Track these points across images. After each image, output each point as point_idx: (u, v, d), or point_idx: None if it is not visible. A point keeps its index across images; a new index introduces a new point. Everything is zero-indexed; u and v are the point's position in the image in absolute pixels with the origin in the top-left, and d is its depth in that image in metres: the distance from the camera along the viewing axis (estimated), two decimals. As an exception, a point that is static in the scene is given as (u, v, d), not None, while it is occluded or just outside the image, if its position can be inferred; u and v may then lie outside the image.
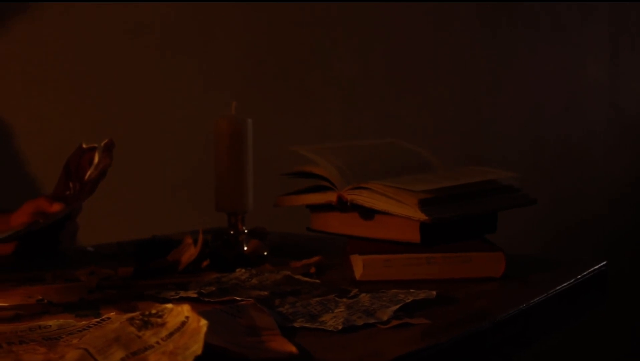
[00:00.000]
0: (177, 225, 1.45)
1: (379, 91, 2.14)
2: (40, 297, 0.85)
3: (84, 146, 1.13)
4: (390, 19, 2.16)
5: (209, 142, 1.84)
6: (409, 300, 0.80)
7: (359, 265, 0.94)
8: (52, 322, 0.72)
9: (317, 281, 0.93)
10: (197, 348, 0.53)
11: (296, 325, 0.73)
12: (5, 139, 1.84)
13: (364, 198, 0.97)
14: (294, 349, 0.64)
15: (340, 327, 0.72)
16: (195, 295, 0.82)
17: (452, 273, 0.94)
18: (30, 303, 0.84)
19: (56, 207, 1.11)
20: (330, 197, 1.01)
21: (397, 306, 0.77)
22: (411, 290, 0.84)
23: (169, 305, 0.61)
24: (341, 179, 1.01)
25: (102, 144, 1.10)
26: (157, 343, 0.56)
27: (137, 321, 0.59)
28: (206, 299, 0.81)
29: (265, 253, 1.10)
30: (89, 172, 1.10)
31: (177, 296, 0.83)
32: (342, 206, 0.99)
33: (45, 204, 1.12)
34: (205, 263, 0.99)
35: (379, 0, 2.10)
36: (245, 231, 1.11)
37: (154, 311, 0.61)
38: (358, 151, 1.12)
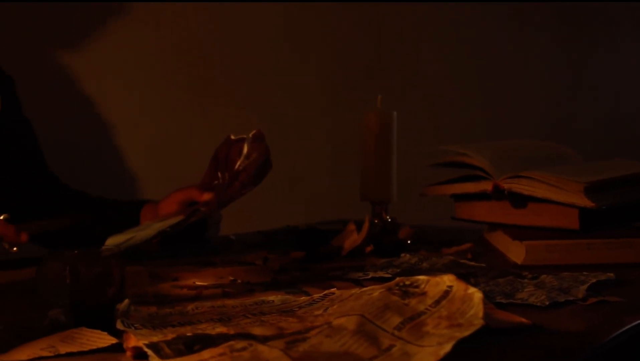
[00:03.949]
0: (303, 215, 1.50)
1: (462, 90, 2.19)
2: (232, 278, 0.90)
3: (232, 137, 1.17)
4: (473, 21, 2.20)
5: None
6: (593, 281, 0.84)
7: (520, 250, 0.98)
8: (272, 297, 0.77)
9: (483, 265, 0.97)
10: (477, 311, 0.57)
11: (503, 301, 0.77)
12: (106, 136, 1.90)
13: (522, 186, 1.01)
14: (524, 320, 0.68)
15: (547, 303, 0.76)
16: (389, 275, 0.87)
17: (612, 258, 0.97)
18: (224, 282, 0.89)
19: (207, 196, 1.15)
20: (485, 186, 1.05)
21: (587, 286, 0.81)
22: (584, 273, 0.88)
23: (423, 277, 0.65)
24: (495, 169, 1.05)
25: (251, 135, 1.15)
26: (427, 309, 0.60)
27: (397, 291, 0.64)
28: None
29: (409, 241, 1.14)
30: (239, 162, 1.14)
31: (368, 277, 0.88)
32: (498, 194, 1.03)
33: (196, 194, 1.17)
34: (369, 249, 1.04)
35: (462, 1, 2.14)
36: (389, 219, 1.15)
37: (407, 283, 0.65)
38: (500, 147, 1.16)
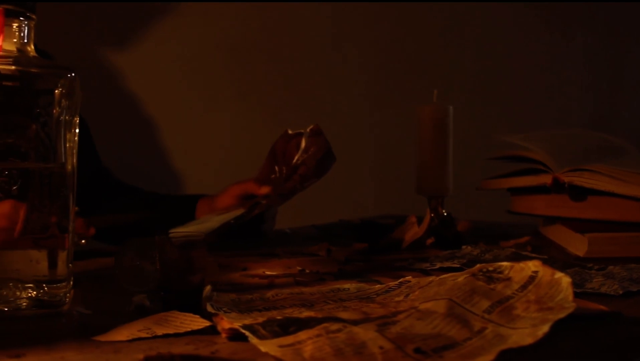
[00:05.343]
0: (354, 209, 1.52)
1: (503, 85, 2.19)
2: (300, 268, 0.92)
3: (290, 132, 1.19)
4: (512, 20, 2.21)
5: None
6: (662, 272, 0.84)
7: (582, 243, 0.99)
8: (347, 285, 0.78)
9: (545, 256, 0.98)
10: (566, 295, 0.58)
11: (576, 290, 0.77)
12: (151, 133, 1.93)
13: (584, 180, 1.02)
14: (603, 307, 0.69)
15: (620, 292, 0.76)
16: (457, 265, 0.88)
17: (676, 250, 0.98)
18: (293, 272, 0.90)
19: (264, 190, 1.17)
20: (545, 179, 1.06)
21: (658, 276, 0.82)
22: (652, 264, 0.89)
23: (506, 263, 0.66)
24: (555, 162, 1.06)
25: (308, 129, 1.16)
26: (514, 294, 0.61)
27: (481, 277, 0.65)
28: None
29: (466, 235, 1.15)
30: (296, 156, 1.16)
31: (436, 267, 0.89)
32: (558, 187, 1.04)
33: (253, 187, 1.19)
34: (429, 241, 1.05)
35: (503, 1, 2.16)
36: (445, 213, 1.16)
37: (491, 269, 0.66)
38: (557, 139, 1.17)
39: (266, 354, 0.53)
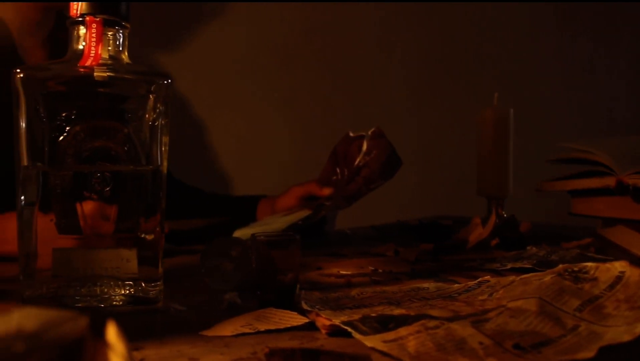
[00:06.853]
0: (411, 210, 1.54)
1: (545, 87, 2.20)
2: (373, 268, 0.94)
3: (351, 134, 1.22)
4: (554, 22, 2.22)
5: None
6: None
7: (646, 244, 1.00)
8: (427, 285, 0.81)
9: (610, 258, 0.99)
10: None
11: (650, 290, 0.79)
12: (199, 133, 1.97)
13: (648, 182, 1.03)
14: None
15: (695, 292, 0.78)
16: (529, 265, 0.90)
17: None
18: (366, 271, 0.93)
19: (327, 191, 1.20)
20: (608, 182, 1.07)
21: None
22: None
23: (591, 263, 0.68)
24: (618, 164, 1.07)
25: (370, 132, 1.19)
26: (602, 293, 0.64)
27: (568, 277, 0.67)
28: (539, 269, 0.88)
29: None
30: (358, 159, 1.19)
31: (507, 267, 0.91)
32: (622, 190, 1.05)
33: (315, 189, 1.22)
34: (494, 242, 1.07)
35: (545, 1, 2.17)
36: (505, 215, 1.18)
37: (576, 269, 0.68)
38: (620, 143, 1.18)
39: (372, 349, 0.56)
